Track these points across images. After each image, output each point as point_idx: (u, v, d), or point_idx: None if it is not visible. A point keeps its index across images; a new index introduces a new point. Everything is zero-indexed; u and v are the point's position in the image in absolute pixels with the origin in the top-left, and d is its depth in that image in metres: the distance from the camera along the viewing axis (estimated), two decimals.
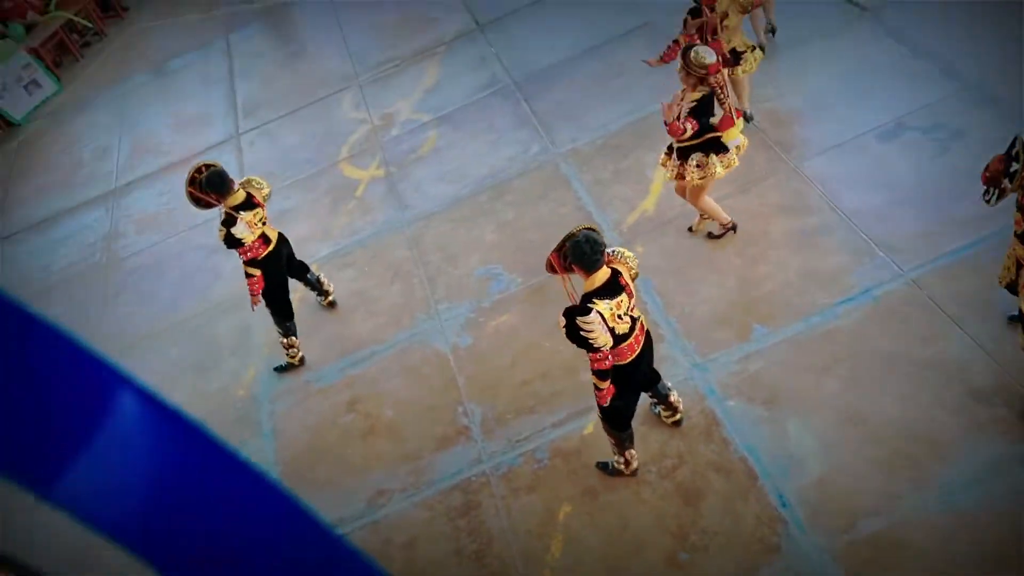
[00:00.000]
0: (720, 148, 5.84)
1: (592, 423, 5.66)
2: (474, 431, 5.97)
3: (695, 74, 5.53)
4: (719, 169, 5.87)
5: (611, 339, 4.28)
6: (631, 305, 4.40)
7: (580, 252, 4.20)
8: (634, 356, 4.54)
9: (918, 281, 5.64)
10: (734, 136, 5.80)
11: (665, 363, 5.82)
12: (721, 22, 6.43)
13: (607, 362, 4.36)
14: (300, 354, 6.88)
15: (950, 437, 4.82)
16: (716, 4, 6.39)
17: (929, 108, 6.73)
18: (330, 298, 7.24)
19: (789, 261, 6.13)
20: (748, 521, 4.87)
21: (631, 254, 4.49)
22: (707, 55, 5.50)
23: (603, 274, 4.28)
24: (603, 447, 5.41)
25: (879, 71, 7.20)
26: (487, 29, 10.19)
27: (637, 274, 4.50)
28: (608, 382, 4.47)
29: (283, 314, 6.60)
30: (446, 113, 9.14)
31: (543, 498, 5.42)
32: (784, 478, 4.97)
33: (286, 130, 9.99)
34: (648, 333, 4.69)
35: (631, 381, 4.68)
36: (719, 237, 6.48)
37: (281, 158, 9.51)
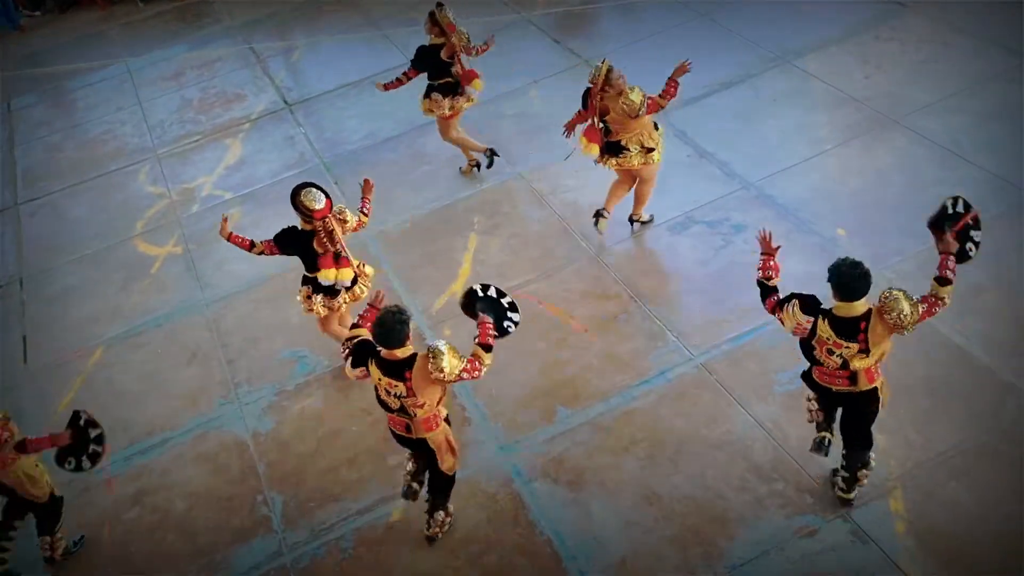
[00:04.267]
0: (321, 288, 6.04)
1: (399, 510, 5.55)
2: (274, 521, 5.69)
3: (301, 215, 5.81)
4: (320, 308, 6.09)
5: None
6: (404, 393, 4.63)
7: (379, 325, 4.56)
8: (397, 430, 4.92)
9: (706, 365, 6.03)
10: (330, 277, 5.97)
11: (472, 446, 5.84)
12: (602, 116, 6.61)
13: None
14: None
15: (736, 513, 5.12)
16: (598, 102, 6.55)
17: (713, 204, 7.33)
18: None
19: (590, 345, 6.39)
20: None
21: (446, 365, 4.51)
22: (315, 200, 5.74)
23: (401, 352, 4.58)
24: (413, 534, 5.32)
25: (670, 168, 7.77)
26: (296, 109, 10.13)
27: (449, 380, 4.56)
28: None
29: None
30: (251, 191, 8.93)
31: None
32: (587, 560, 5.07)
33: (72, 202, 9.39)
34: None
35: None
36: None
37: (66, 231, 8.89)
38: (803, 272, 6.54)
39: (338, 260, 5.94)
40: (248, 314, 7.38)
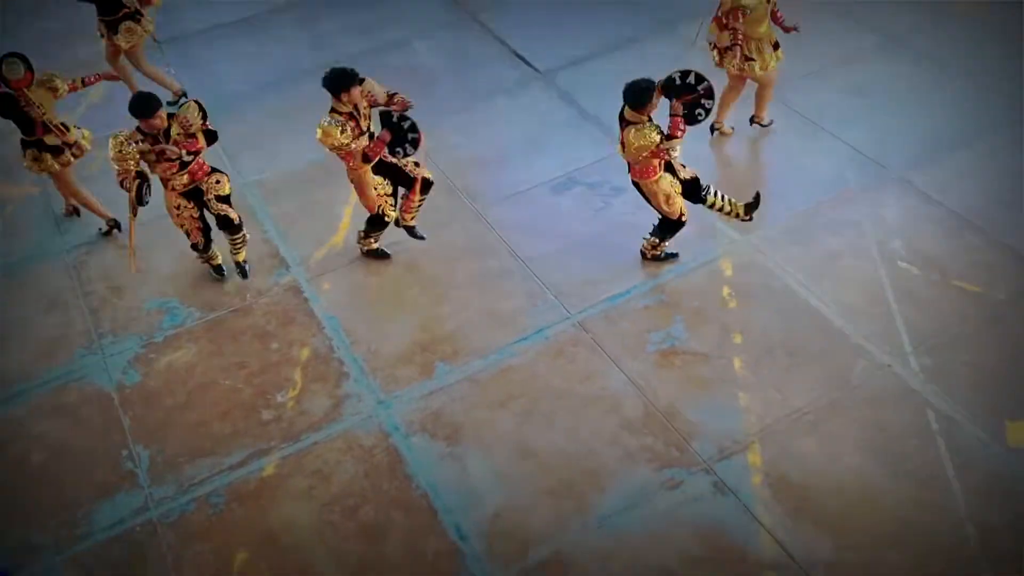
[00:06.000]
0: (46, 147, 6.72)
1: (273, 464, 5.49)
2: (140, 476, 5.51)
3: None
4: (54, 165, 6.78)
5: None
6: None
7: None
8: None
9: (583, 323, 6.18)
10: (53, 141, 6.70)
11: (350, 400, 5.82)
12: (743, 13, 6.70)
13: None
14: None
15: (607, 467, 5.31)
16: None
17: (595, 165, 7.46)
18: None
19: (471, 301, 6.43)
20: (428, 557, 4.98)
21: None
22: (14, 71, 6.36)
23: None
24: (287, 488, 5.30)
25: (554, 128, 7.86)
26: (167, 47, 9.61)
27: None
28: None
29: None
30: (120, 131, 8.43)
31: (217, 546, 5.12)
32: (463, 512, 5.16)
33: None
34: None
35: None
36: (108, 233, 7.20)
37: None
38: (680, 234, 6.80)
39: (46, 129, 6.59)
40: (113, 262, 7.03)
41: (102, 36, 8.32)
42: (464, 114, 8.11)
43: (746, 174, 7.30)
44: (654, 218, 6.36)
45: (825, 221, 6.78)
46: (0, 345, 6.44)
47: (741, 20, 6.71)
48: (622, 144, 5.90)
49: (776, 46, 7.04)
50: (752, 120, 7.60)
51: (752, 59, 6.95)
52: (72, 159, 6.87)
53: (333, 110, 5.89)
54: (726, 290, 6.31)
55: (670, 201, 6.09)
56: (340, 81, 5.78)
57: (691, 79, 5.74)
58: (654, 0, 9.53)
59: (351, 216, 7.19)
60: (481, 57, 8.99)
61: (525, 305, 6.36)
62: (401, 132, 5.99)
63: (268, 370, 6.08)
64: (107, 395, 6.03)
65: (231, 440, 5.67)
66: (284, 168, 7.73)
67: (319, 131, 5.84)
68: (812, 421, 5.44)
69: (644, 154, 5.75)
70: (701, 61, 7.04)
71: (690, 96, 5.75)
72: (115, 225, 7.26)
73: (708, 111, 5.87)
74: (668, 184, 6.02)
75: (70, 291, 6.82)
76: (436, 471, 5.39)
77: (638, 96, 5.62)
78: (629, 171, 6.10)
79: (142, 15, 8.23)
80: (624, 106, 5.76)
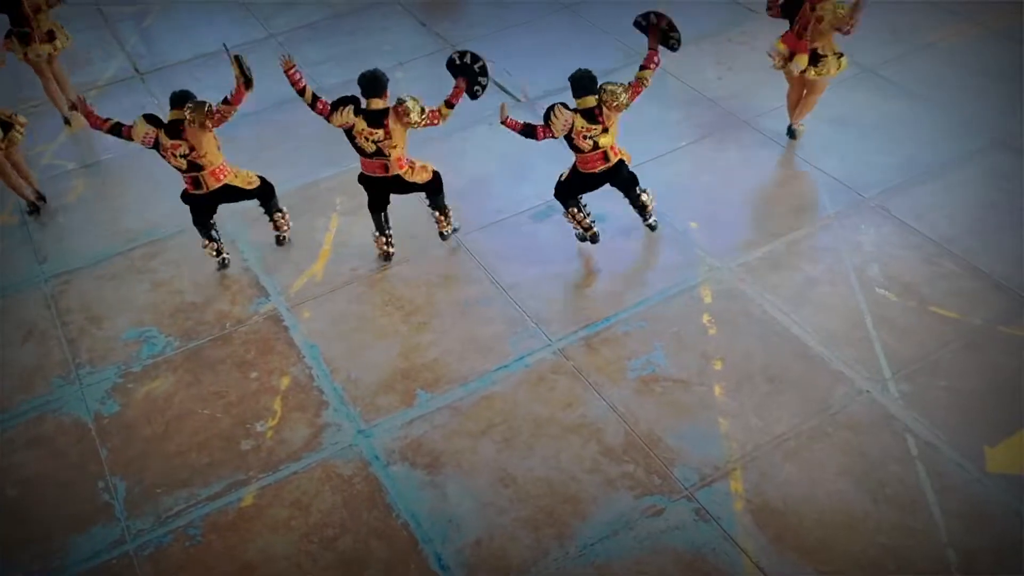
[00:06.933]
0: None
1: (251, 495, 5.43)
2: (117, 508, 5.43)
3: None
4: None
5: None
6: (381, 138, 6.21)
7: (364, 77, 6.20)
8: (375, 173, 6.48)
9: (564, 350, 6.19)
10: None
11: (329, 429, 5.78)
12: (816, 24, 7.03)
13: None
14: None
15: (588, 494, 5.29)
16: (819, 6, 6.96)
17: None
18: None
19: (451, 329, 6.42)
20: None
21: (414, 113, 6.09)
22: None
23: (377, 104, 6.19)
24: (266, 519, 5.24)
25: (535, 157, 7.89)
26: (149, 79, 9.64)
27: (416, 123, 6.16)
28: None
29: None
30: (97, 162, 8.44)
31: None
32: (443, 541, 5.11)
33: None
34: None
35: None
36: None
37: None
38: (660, 262, 6.85)
39: None
40: (91, 291, 6.98)
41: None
42: (445, 143, 8.14)
43: (723, 200, 7.34)
44: (635, 244, 6.39)
45: (803, 248, 6.84)
46: None
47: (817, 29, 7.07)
48: (605, 128, 6.24)
49: (840, 55, 7.30)
50: (792, 131, 7.84)
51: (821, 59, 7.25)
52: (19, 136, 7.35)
53: (367, 109, 6.19)
54: (706, 317, 6.34)
55: None
56: (379, 83, 6.19)
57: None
58: (630, 32, 9.62)
59: (331, 244, 7.19)
60: None
61: (506, 332, 6.36)
62: (470, 70, 6.22)
63: (247, 399, 6.03)
64: (84, 425, 5.96)
65: (209, 470, 5.61)
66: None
67: (413, 104, 6.13)
68: (793, 447, 5.44)
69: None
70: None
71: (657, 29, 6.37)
72: (41, 198, 7.76)
73: (679, 41, 6.40)
74: None
75: (47, 321, 6.76)
76: (416, 500, 5.34)
77: (590, 80, 6.21)
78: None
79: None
80: (577, 110, 6.22)
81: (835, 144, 7.80)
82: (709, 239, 6.96)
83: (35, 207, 7.76)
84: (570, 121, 6.16)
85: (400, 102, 6.09)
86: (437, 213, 6.91)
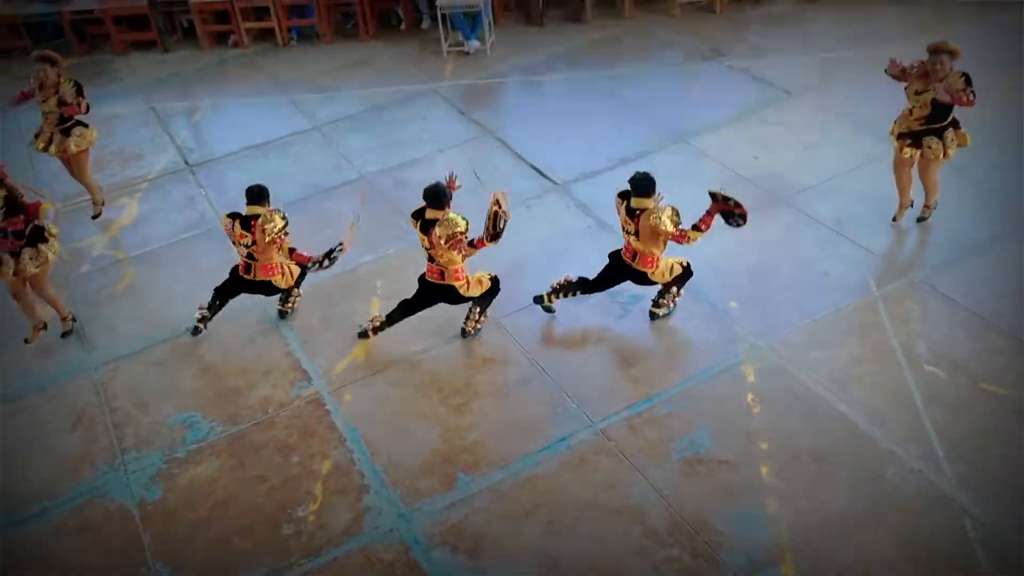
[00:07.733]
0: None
1: None
2: None
3: None
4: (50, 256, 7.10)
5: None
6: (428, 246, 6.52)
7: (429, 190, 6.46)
8: (432, 278, 6.70)
9: (606, 431, 6.12)
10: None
11: (370, 513, 5.74)
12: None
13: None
14: None
15: None
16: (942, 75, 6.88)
17: None
18: None
19: (491, 411, 6.41)
20: None
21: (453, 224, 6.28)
22: None
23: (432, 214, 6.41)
24: None
25: (572, 239, 7.98)
26: (197, 170, 9.99)
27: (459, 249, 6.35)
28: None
29: None
30: (146, 251, 8.70)
31: None
32: None
33: None
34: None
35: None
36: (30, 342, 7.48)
37: None
38: (701, 341, 6.81)
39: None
40: (138, 378, 7.11)
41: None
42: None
43: (763, 279, 7.32)
44: (675, 324, 6.37)
45: (847, 326, 6.76)
46: (25, 462, 6.46)
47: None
48: (636, 233, 6.42)
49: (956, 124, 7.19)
50: (922, 217, 7.73)
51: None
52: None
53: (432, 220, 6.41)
54: (750, 396, 6.25)
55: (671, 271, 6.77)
56: (443, 195, 6.46)
57: (731, 201, 6.39)
58: (661, 115, 9.84)
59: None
60: (499, 171, 9.23)
61: (546, 413, 6.32)
62: (728, 207, 6.41)
63: (289, 483, 6.04)
64: (128, 512, 5.99)
65: (251, 556, 5.58)
66: (306, 282, 7.86)
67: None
68: (845, 529, 5.28)
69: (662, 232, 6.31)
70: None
71: (727, 208, 6.43)
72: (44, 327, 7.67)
73: (740, 223, 6.46)
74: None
75: (96, 407, 6.87)
76: None
77: (645, 185, 6.33)
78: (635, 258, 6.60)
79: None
80: (627, 200, 6.42)
81: (876, 221, 7.77)
82: (750, 318, 6.91)
83: (66, 332, 7.63)
84: (619, 209, 6.53)
85: (442, 224, 6.33)
86: (477, 309, 6.97)
